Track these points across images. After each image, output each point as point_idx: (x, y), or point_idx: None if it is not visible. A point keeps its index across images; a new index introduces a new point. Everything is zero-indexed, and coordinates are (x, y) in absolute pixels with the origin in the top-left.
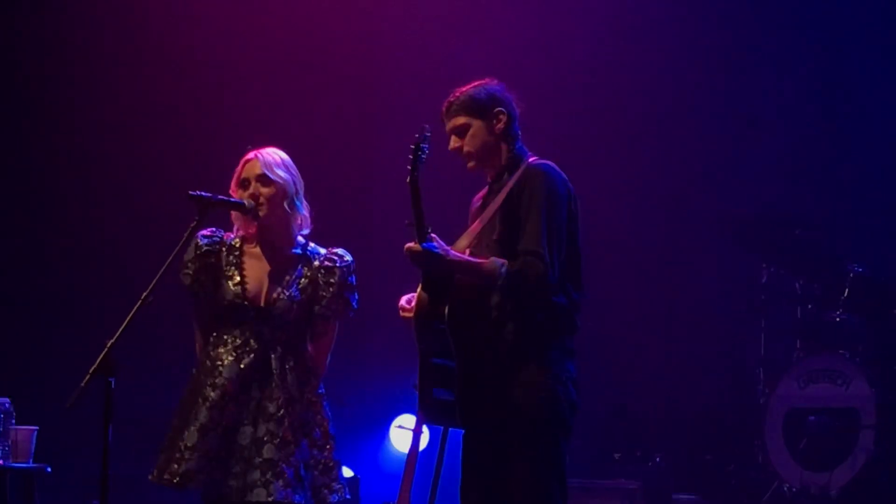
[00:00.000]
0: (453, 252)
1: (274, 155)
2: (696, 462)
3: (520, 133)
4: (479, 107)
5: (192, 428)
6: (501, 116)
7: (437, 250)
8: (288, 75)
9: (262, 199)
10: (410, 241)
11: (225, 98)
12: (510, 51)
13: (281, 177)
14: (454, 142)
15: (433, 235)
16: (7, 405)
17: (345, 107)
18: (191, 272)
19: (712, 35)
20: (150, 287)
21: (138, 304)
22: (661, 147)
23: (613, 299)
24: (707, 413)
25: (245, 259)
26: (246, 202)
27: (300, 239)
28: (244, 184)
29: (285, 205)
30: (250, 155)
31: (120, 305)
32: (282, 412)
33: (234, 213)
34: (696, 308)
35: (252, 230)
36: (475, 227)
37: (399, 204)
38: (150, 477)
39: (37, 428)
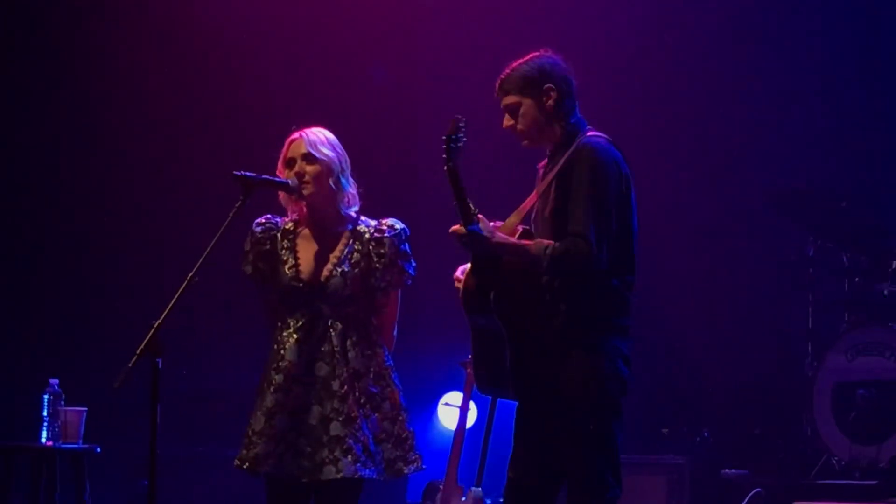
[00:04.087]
0: (499, 234)
1: (319, 134)
2: (744, 436)
3: (577, 106)
4: (529, 84)
5: (259, 413)
6: (552, 93)
7: (481, 232)
8: (332, 53)
9: (307, 178)
10: (457, 224)
11: (271, 78)
12: (553, 25)
13: (326, 154)
14: (507, 120)
15: (480, 216)
16: (56, 386)
17: (390, 85)
18: (250, 262)
19: (753, 7)
20: (196, 267)
21: (184, 284)
22: (706, 121)
23: (660, 274)
24: (755, 387)
25: (297, 241)
26: (290, 181)
27: (351, 215)
28: (290, 163)
29: (331, 182)
30: (295, 135)
31: (166, 286)
32: (346, 388)
33: (282, 195)
34: (742, 282)
35: (302, 211)
36: (526, 204)
37: (446, 180)
38: (244, 469)
39: (86, 409)
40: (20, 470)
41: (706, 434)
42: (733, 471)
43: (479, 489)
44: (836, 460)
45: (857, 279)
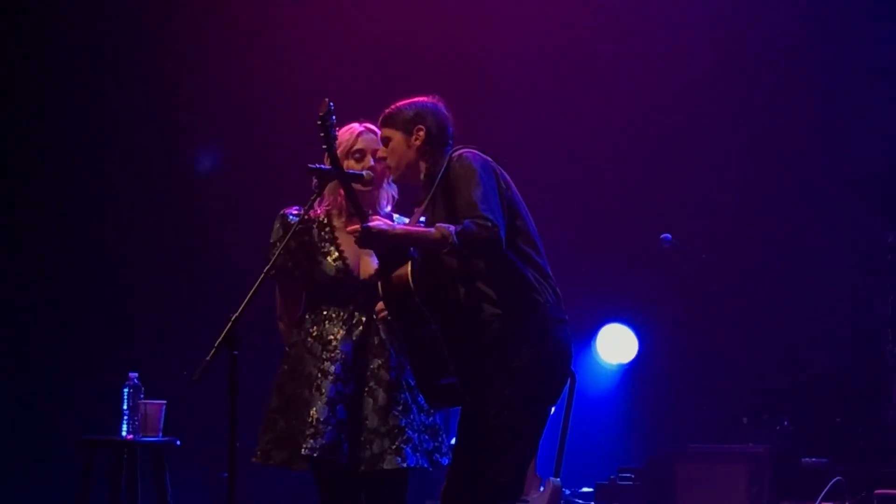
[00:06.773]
0: (399, 225)
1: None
2: (825, 425)
3: (447, 148)
4: (402, 122)
5: (320, 403)
6: (420, 133)
7: (380, 226)
8: (389, 55)
9: (375, 175)
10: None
11: (330, 76)
12: (626, 14)
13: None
14: (381, 151)
15: (374, 216)
16: (136, 380)
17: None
18: (287, 250)
19: None
20: (272, 261)
21: (261, 277)
22: (783, 108)
23: (739, 262)
24: (835, 375)
25: (338, 234)
26: (365, 173)
27: (388, 212)
28: (358, 155)
29: (385, 182)
30: (360, 127)
31: (243, 279)
32: (398, 378)
33: (316, 184)
34: (822, 269)
35: (340, 199)
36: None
37: None
38: (269, 462)
39: (165, 402)
40: (101, 463)
41: (786, 423)
42: (814, 459)
43: (558, 479)
44: None
45: None
